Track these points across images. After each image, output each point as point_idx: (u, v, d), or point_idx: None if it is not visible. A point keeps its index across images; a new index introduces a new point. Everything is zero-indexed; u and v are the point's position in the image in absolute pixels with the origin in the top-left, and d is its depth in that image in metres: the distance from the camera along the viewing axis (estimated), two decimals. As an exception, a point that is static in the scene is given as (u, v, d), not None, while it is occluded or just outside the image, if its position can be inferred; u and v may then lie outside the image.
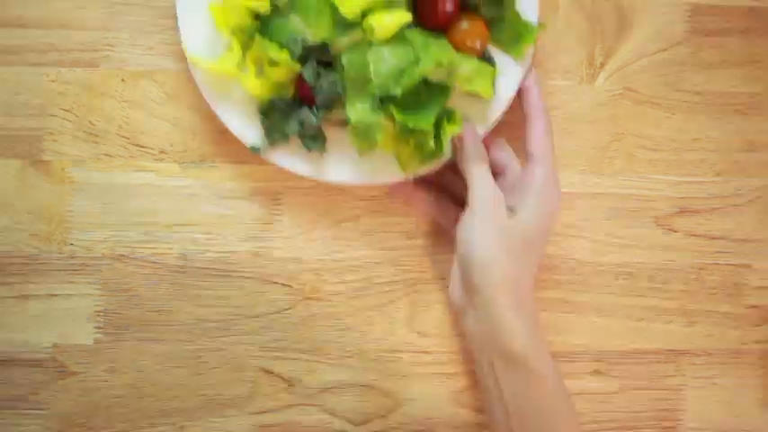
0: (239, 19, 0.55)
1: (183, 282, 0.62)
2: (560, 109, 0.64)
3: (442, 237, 0.63)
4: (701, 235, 0.66)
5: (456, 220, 0.56)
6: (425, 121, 0.54)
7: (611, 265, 0.65)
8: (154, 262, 0.62)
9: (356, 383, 0.63)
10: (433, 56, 0.53)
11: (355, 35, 0.54)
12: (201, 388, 0.62)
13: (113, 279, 0.61)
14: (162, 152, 0.62)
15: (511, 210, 0.53)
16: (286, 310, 0.62)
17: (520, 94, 0.58)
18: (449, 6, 0.54)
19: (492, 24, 0.57)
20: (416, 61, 0.53)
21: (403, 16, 0.53)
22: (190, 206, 0.62)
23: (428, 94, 0.56)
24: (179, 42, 0.62)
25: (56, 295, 0.61)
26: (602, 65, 0.65)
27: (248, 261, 0.62)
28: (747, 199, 0.66)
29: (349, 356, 0.63)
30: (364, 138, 0.54)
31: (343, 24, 0.54)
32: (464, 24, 0.56)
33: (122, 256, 0.61)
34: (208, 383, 0.62)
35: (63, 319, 0.61)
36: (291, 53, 0.54)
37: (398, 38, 0.54)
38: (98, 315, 0.61)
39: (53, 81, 0.61)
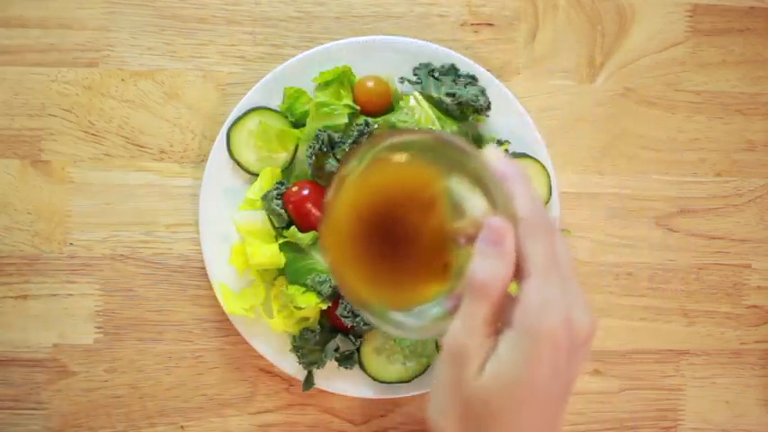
0: (260, 263, 0.56)
1: (183, 282, 0.62)
2: (560, 109, 0.64)
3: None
4: (701, 235, 0.66)
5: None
6: None
7: (611, 265, 0.65)
8: (154, 262, 0.62)
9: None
10: None
11: None
12: (201, 388, 0.62)
13: (113, 279, 0.61)
14: (162, 152, 0.62)
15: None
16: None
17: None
18: None
19: None
20: None
21: None
22: (190, 206, 0.62)
23: None
24: (179, 43, 0.62)
25: (56, 295, 0.61)
26: (602, 65, 0.65)
27: (248, 261, 0.62)
28: (747, 199, 0.66)
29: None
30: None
31: None
32: None
33: (122, 256, 0.61)
34: (208, 383, 0.62)
35: (63, 319, 0.61)
36: (319, 294, 0.55)
37: None
38: (98, 315, 0.61)
39: (53, 81, 0.61)
